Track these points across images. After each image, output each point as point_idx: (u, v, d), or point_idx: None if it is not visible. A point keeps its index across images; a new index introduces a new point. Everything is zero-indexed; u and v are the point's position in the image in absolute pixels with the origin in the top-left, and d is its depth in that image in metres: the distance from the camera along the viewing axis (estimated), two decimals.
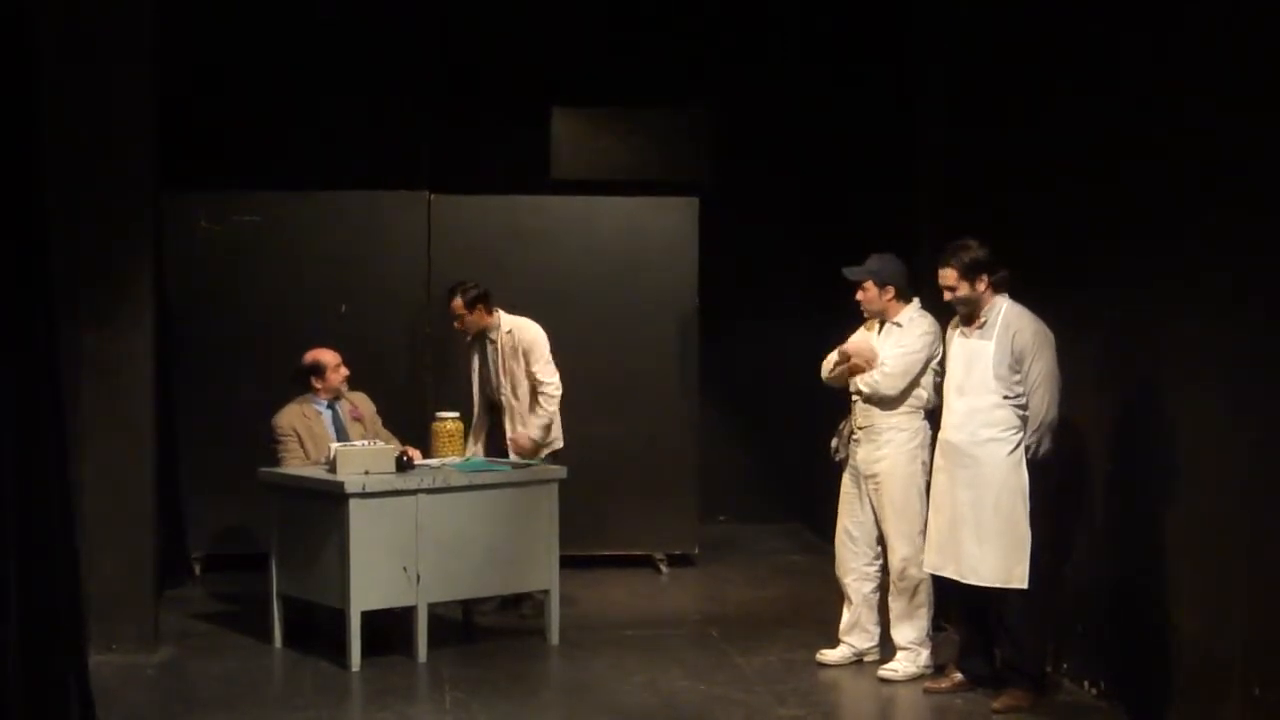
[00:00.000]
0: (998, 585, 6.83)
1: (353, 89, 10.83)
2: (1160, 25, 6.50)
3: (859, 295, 7.51)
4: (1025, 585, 6.79)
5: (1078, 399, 6.97)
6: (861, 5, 10.52)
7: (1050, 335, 6.86)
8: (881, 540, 7.54)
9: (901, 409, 7.42)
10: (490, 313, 8.74)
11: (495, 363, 8.73)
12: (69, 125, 7.31)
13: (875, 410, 7.44)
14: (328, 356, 8.55)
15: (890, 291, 7.45)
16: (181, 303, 9.63)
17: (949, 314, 7.21)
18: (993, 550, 6.83)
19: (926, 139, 9.13)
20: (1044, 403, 6.81)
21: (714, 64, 11.25)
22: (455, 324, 8.76)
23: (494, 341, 8.73)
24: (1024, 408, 6.85)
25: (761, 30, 11.34)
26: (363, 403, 8.68)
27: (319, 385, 8.51)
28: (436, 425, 8.48)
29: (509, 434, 8.70)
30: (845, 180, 10.81)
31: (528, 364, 8.66)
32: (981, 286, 6.92)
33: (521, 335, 8.71)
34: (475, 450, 8.73)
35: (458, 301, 8.67)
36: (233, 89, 10.62)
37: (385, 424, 8.73)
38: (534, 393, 8.66)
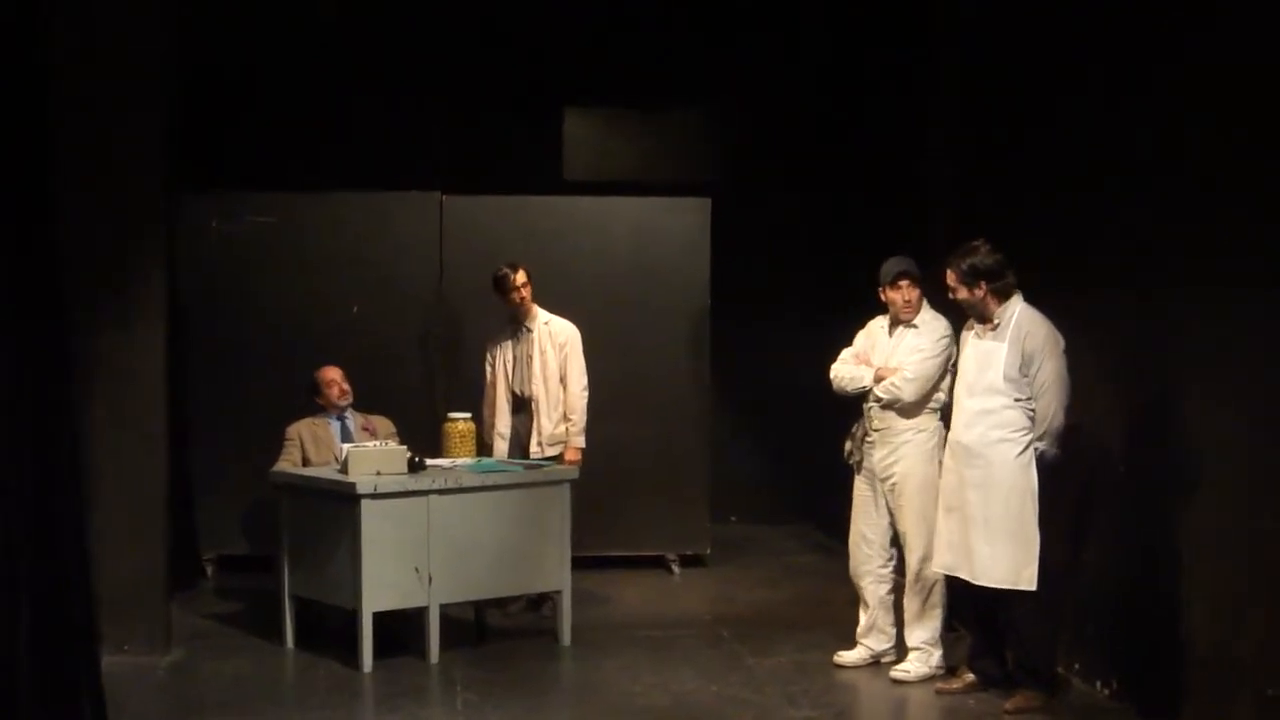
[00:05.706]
0: (1007, 586, 6.82)
1: (365, 90, 10.84)
2: (1170, 28, 6.49)
3: (901, 295, 7.38)
4: (1034, 587, 6.77)
5: (1091, 401, 6.95)
6: (874, 7, 10.52)
7: (1060, 340, 6.80)
8: (896, 542, 7.53)
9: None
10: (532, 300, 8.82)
11: (529, 352, 8.74)
12: (82, 127, 7.31)
13: (891, 413, 7.43)
14: (326, 371, 8.72)
15: (918, 291, 7.43)
16: (194, 304, 9.63)
17: (961, 315, 7.18)
18: (1002, 551, 6.81)
19: (937, 140, 9.12)
20: (1050, 407, 6.76)
21: (727, 65, 11.24)
22: (513, 296, 8.68)
23: (530, 330, 8.76)
24: (1034, 410, 6.83)
25: (774, 31, 11.32)
26: (381, 424, 8.74)
27: (322, 402, 8.70)
28: (448, 426, 8.47)
29: (535, 430, 8.71)
30: (857, 182, 10.79)
31: (566, 359, 8.70)
32: (980, 293, 6.87)
33: (562, 330, 8.78)
34: (501, 447, 8.73)
35: (521, 275, 8.69)
36: (245, 90, 10.64)
37: (399, 428, 8.74)
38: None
